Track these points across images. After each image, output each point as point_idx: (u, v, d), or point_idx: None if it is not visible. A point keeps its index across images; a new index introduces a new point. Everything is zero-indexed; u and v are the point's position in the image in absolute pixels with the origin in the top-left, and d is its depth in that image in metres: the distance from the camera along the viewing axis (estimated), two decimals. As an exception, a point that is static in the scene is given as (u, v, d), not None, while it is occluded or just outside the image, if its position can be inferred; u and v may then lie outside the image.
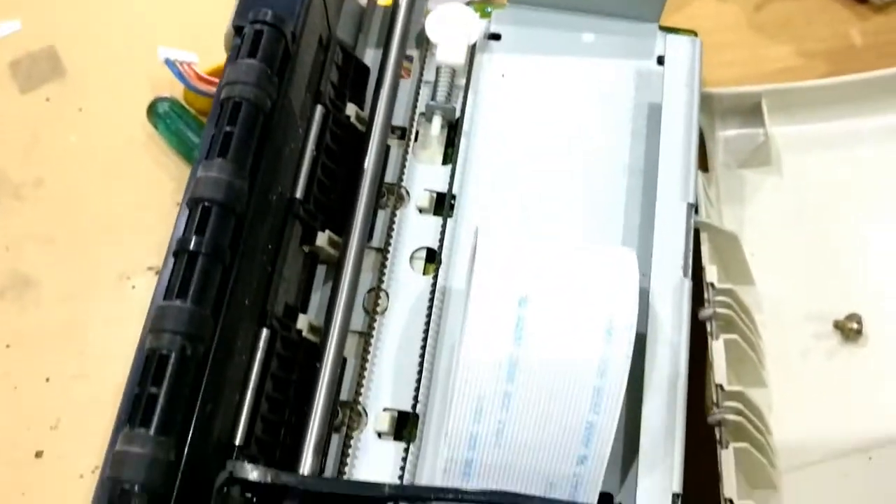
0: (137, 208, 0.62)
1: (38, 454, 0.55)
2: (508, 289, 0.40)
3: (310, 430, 0.44)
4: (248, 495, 0.40)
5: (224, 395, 0.39)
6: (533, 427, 0.40)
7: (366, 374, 0.47)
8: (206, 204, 0.39)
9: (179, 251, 0.38)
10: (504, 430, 0.41)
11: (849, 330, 0.52)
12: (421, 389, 0.47)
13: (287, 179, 0.46)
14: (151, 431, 0.34)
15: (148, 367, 0.35)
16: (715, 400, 0.46)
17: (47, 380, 0.57)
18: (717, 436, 0.45)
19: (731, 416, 0.45)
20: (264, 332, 0.43)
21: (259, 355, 0.43)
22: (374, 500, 0.39)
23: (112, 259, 0.61)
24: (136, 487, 0.33)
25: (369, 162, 0.50)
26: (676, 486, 0.42)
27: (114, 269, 0.60)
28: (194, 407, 0.36)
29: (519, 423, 0.40)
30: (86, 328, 0.59)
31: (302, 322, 0.46)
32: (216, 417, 0.38)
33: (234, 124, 0.40)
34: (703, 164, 0.59)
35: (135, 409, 0.35)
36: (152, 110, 0.63)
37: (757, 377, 0.50)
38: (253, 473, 0.37)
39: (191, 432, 0.36)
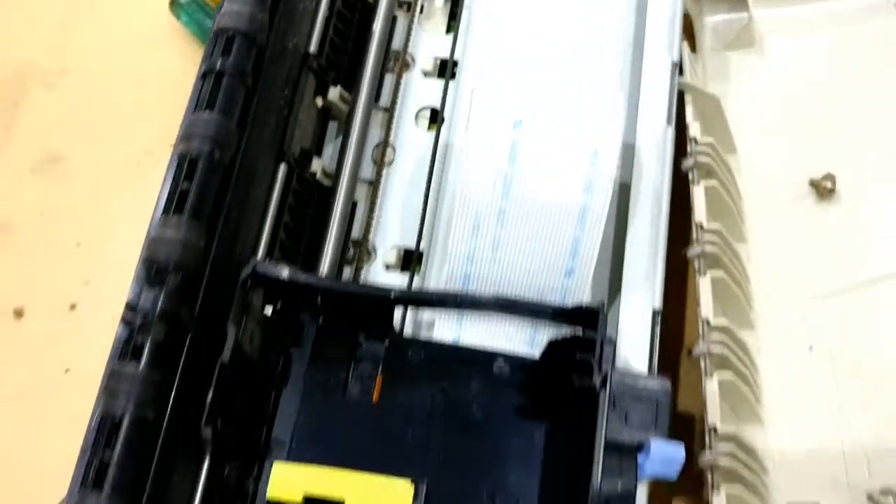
0: (161, 93, 0.66)
1: (73, 306, 0.60)
2: (504, 113, 0.44)
3: (323, 258, 0.48)
4: (267, 313, 0.44)
5: (248, 210, 0.44)
6: (525, 241, 0.45)
7: (374, 215, 0.51)
8: (231, 32, 0.43)
9: (207, 72, 0.42)
10: (499, 244, 0.45)
11: (823, 188, 0.56)
12: (424, 230, 0.51)
13: (302, 35, 0.50)
14: (184, 217, 0.38)
15: (180, 167, 0.40)
16: (696, 237, 0.50)
17: (78, 244, 0.62)
18: (697, 266, 0.50)
19: (709, 248, 0.49)
20: (282, 167, 0.47)
21: (278, 186, 0.47)
22: (382, 303, 0.43)
23: (137, 138, 0.65)
24: (171, 265, 0.38)
25: (377, 26, 0.54)
26: (657, 304, 0.47)
27: (138, 146, 0.65)
28: (223, 206, 0.40)
29: (512, 237, 0.45)
30: (113, 198, 0.63)
31: (316, 165, 0.50)
32: (241, 227, 0.43)
33: (254, -33, 0.44)
34: (691, 46, 0.62)
35: (169, 200, 0.39)
36: (175, 1, 0.67)
37: (735, 227, 0.54)
38: (274, 269, 0.41)
39: (219, 229, 0.40)
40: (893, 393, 0.50)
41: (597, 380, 0.40)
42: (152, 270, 0.38)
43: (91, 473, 0.35)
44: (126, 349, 0.37)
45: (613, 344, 0.41)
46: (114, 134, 0.65)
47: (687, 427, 0.51)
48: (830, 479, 0.50)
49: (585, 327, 0.43)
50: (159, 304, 0.37)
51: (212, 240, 0.40)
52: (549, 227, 0.44)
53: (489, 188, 0.44)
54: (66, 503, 0.36)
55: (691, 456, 0.46)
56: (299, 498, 0.38)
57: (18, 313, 0.60)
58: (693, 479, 0.53)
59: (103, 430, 0.36)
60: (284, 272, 0.41)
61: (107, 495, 0.35)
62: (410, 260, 0.51)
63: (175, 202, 0.39)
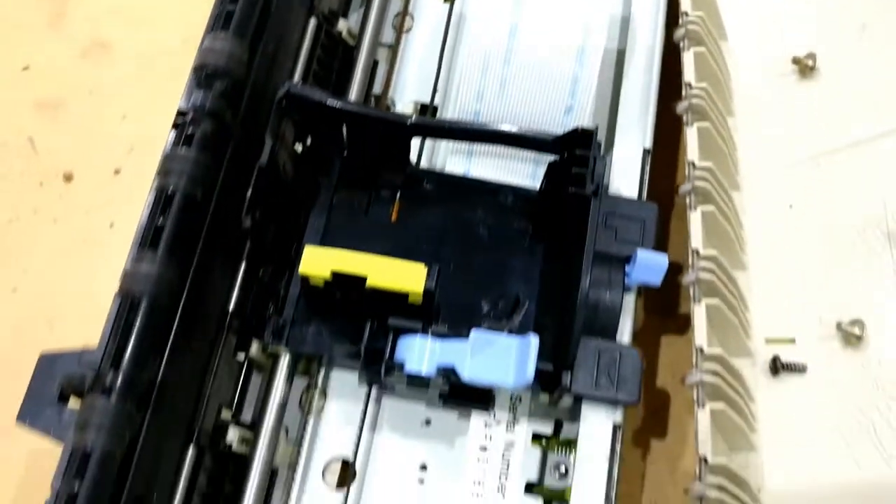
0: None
1: (117, 171, 0.66)
2: (511, -37, 0.50)
3: (348, 105, 0.54)
4: (297, 150, 0.49)
5: (282, 47, 0.49)
6: (529, 79, 0.50)
7: (393, 73, 0.57)
8: None
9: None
10: (505, 83, 0.50)
11: (805, 66, 0.61)
12: (438, 88, 0.56)
13: None
14: (230, 32, 0.44)
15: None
16: (684, 94, 0.55)
17: (124, 117, 0.68)
18: (685, 119, 0.55)
19: (696, 101, 0.54)
20: (312, 20, 0.53)
21: (308, 35, 0.53)
22: (400, 129, 0.49)
23: (177, 27, 0.71)
24: (219, 71, 0.43)
25: None
26: (648, 143, 0.52)
27: (178, 34, 0.70)
28: (262, 33, 0.46)
29: (518, 76, 0.50)
30: (155, 79, 0.69)
31: (342, 24, 0.56)
32: (276, 60, 0.48)
33: None
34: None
35: (217, 18, 0.45)
36: None
37: (722, 98, 0.59)
38: (308, 90, 0.46)
39: (259, 52, 0.46)
40: (859, 239, 0.55)
41: (589, 189, 0.45)
42: (201, 75, 0.43)
43: (148, 237, 0.41)
44: (178, 140, 0.43)
45: (605, 160, 0.47)
46: (154, 24, 0.71)
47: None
48: (804, 316, 0.55)
49: (580, 148, 0.48)
50: (208, 102, 0.43)
51: (253, 58, 0.45)
52: (551, 65, 0.50)
53: (498, 28, 0.49)
54: (126, 266, 0.42)
55: (675, 273, 0.51)
56: (327, 273, 0.43)
57: (68, 177, 0.66)
58: (679, 321, 0.59)
59: (159, 203, 0.41)
60: (316, 94, 0.47)
61: (161, 256, 0.41)
62: (426, 112, 0.56)
63: (222, 20, 0.45)
